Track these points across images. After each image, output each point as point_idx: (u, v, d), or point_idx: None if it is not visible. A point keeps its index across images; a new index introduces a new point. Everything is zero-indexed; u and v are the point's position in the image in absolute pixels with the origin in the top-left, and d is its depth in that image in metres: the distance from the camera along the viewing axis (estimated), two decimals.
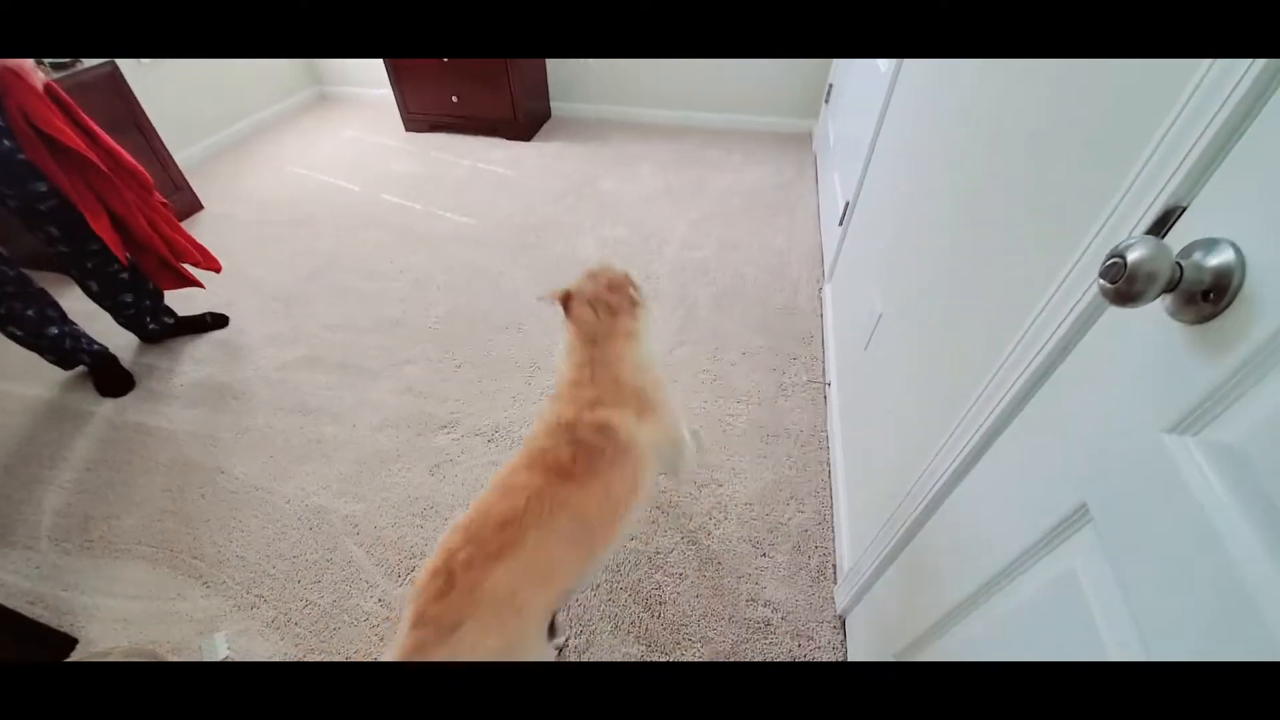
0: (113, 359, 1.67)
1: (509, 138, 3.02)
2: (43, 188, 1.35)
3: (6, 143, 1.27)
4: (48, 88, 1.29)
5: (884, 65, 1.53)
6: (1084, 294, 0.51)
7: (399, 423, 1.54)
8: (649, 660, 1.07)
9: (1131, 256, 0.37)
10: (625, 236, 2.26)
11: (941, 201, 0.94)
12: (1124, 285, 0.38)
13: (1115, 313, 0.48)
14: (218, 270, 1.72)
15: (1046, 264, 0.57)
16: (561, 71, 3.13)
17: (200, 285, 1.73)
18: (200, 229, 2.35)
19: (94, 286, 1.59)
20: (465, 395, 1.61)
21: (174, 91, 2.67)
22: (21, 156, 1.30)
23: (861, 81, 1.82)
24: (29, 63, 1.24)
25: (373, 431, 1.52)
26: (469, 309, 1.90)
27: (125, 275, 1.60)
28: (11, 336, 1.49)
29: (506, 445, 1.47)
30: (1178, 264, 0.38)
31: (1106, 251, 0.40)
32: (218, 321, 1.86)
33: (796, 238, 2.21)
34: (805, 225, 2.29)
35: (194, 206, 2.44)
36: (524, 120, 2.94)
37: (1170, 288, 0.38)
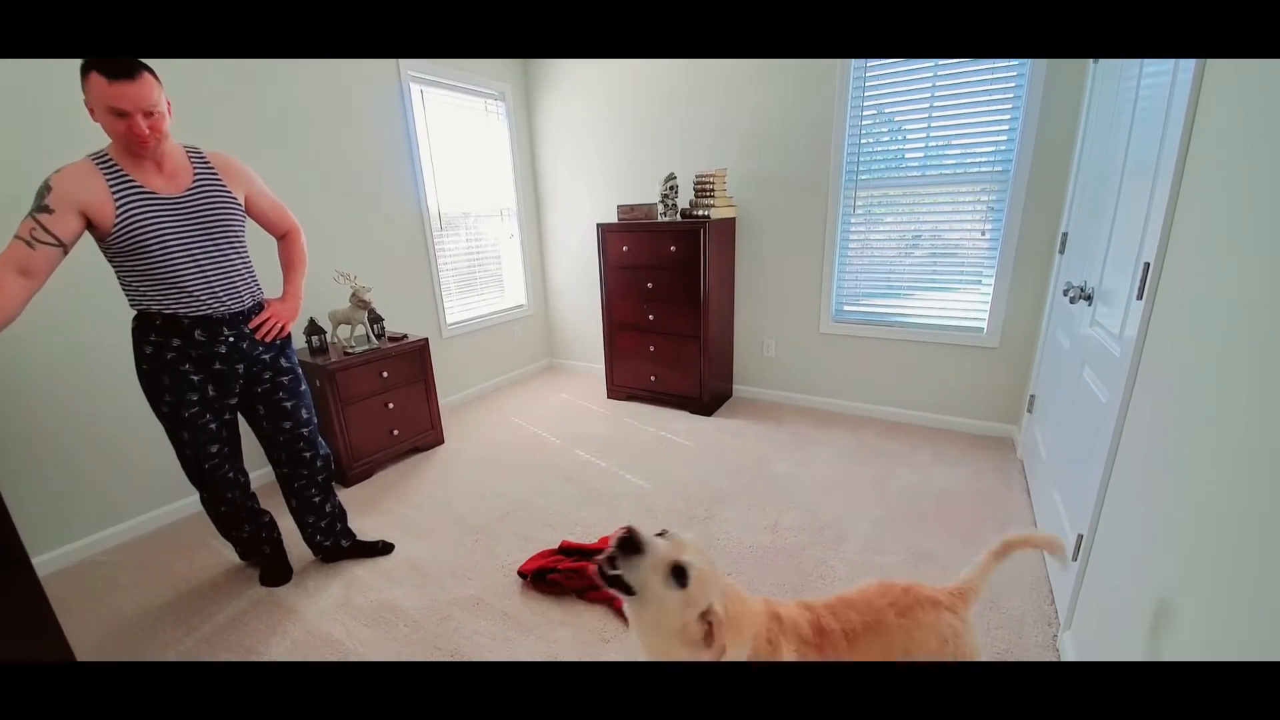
0: (282, 551, 1.98)
1: (692, 411, 3.34)
2: (287, 424, 1.77)
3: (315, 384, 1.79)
4: None
5: (1103, 394, 1.44)
6: None
7: None
8: None
9: None
10: (798, 523, 2.15)
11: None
12: None
13: None
14: None
15: None
16: (745, 360, 3.54)
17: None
18: (435, 459, 2.87)
19: (293, 503, 1.92)
20: None
21: (454, 357, 3.61)
22: (303, 387, 1.81)
23: (1075, 403, 1.71)
24: None
25: None
26: None
27: (317, 500, 1.92)
28: (225, 534, 1.93)
29: None
30: None
31: None
32: (385, 548, 2.08)
33: (1014, 562, 1.85)
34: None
35: (438, 440, 3.02)
36: (707, 399, 3.28)
37: None
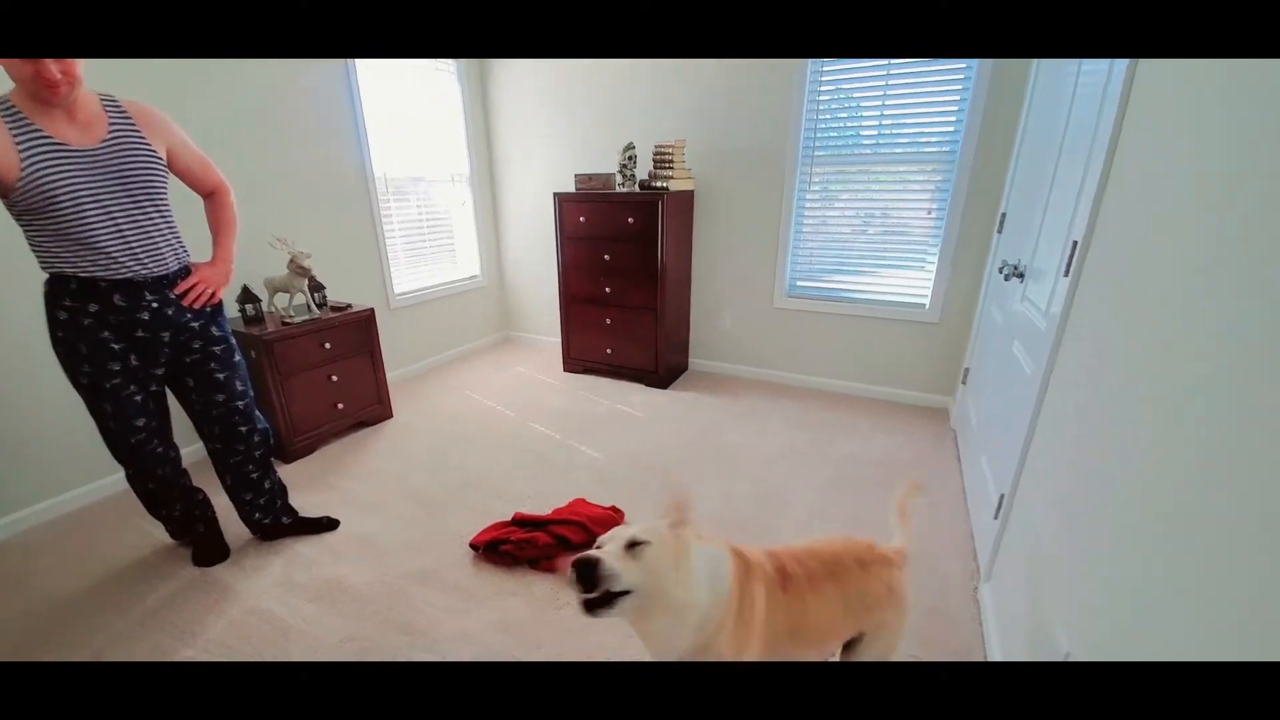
0: (218, 530, 1.89)
1: (648, 384, 3.36)
2: (220, 397, 1.68)
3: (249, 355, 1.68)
4: None
5: (1029, 366, 1.53)
6: None
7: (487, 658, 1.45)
8: None
9: None
10: (747, 492, 2.22)
11: (1152, 536, 0.81)
12: None
13: None
14: None
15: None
16: (701, 334, 3.58)
17: None
18: (383, 433, 2.79)
19: (228, 480, 1.84)
20: (560, 641, 1.51)
21: (403, 329, 3.49)
22: (238, 358, 1.70)
23: (1004, 374, 1.82)
24: None
25: None
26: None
27: (255, 476, 1.84)
28: (154, 513, 1.82)
29: None
30: None
31: None
32: (330, 524, 2.02)
33: (942, 523, 2.00)
34: (951, 509, 2.08)
35: (386, 415, 2.93)
36: (663, 372, 3.31)
37: None
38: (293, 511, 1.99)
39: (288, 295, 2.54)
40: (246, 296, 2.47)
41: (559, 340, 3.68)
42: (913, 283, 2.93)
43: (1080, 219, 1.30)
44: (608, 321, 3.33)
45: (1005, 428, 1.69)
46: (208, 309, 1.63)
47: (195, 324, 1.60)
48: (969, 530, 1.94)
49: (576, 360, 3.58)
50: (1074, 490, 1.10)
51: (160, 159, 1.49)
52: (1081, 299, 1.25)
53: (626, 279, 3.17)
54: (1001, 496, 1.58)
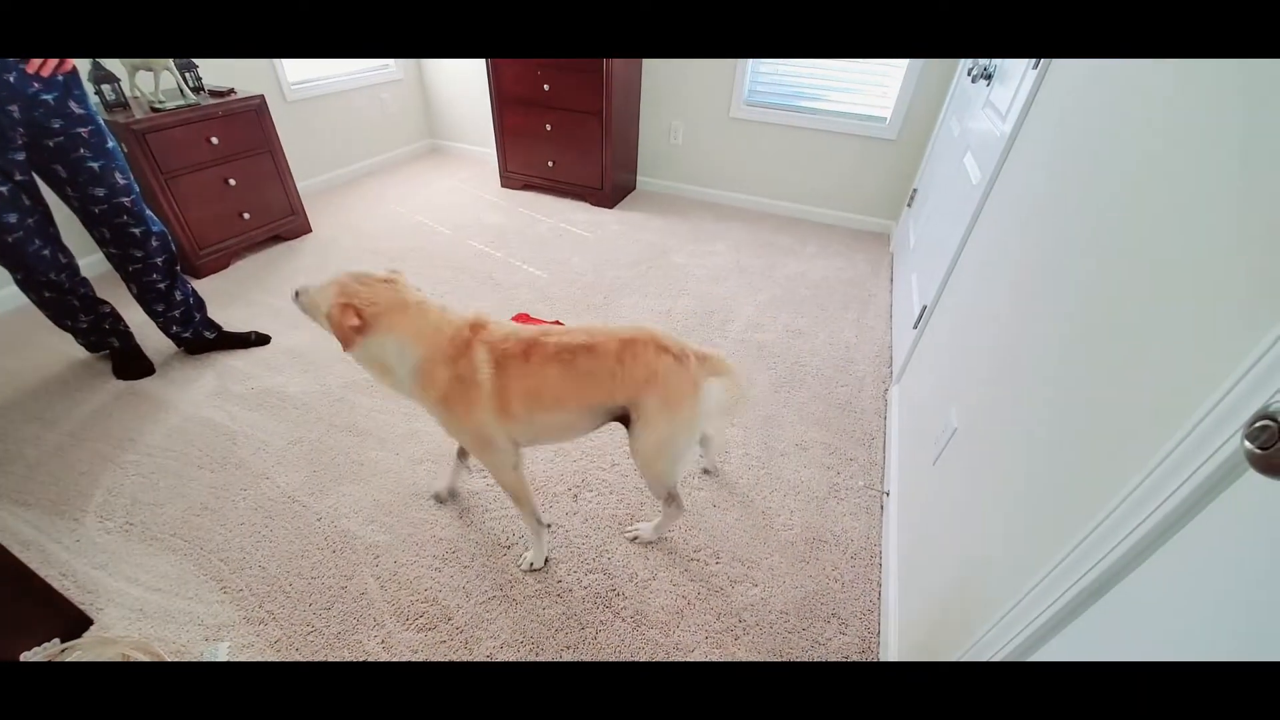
0: (135, 345, 1.79)
1: (593, 203, 3.18)
2: (100, 191, 1.47)
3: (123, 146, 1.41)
4: None
5: (976, 175, 1.52)
6: (1220, 449, 0.43)
7: (440, 458, 1.54)
8: None
9: None
10: (690, 308, 2.27)
11: (1043, 326, 0.88)
12: (1277, 453, 0.33)
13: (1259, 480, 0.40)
14: None
15: (1171, 411, 0.50)
16: (651, 148, 3.32)
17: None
18: (304, 249, 2.58)
19: (134, 289, 1.71)
20: None
21: (309, 128, 3.03)
22: (111, 144, 1.46)
23: (950, 188, 1.81)
24: None
25: (413, 464, 1.53)
26: None
27: (162, 286, 1.71)
28: (59, 324, 1.67)
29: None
30: None
31: (1251, 406, 0.34)
32: (260, 339, 1.95)
33: (866, 334, 2.14)
34: (876, 322, 2.22)
35: (304, 229, 2.68)
36: (610, 190, 3.11)
37: None
38: (214, 325, 1.89)
39: (151, 74, 2.09)
40: (101, 74, 2.01)
41: (493, 152, 3.32)
42: (876, 95, 2.73)
43: None
44: (548, 127, 3.00)
45: (941, 240, 1.73)
46: (59, 79, 1.35)
47: (47, 97, 1.34)
48: (889, 342, 2.10)
49: (515, 175, 3.30)
50: (978, 292, 1.16)
51: None
52: (1043, 96, 1.19)
53: (567, 73, 2.79)
54: (924, 308, 1.67)
